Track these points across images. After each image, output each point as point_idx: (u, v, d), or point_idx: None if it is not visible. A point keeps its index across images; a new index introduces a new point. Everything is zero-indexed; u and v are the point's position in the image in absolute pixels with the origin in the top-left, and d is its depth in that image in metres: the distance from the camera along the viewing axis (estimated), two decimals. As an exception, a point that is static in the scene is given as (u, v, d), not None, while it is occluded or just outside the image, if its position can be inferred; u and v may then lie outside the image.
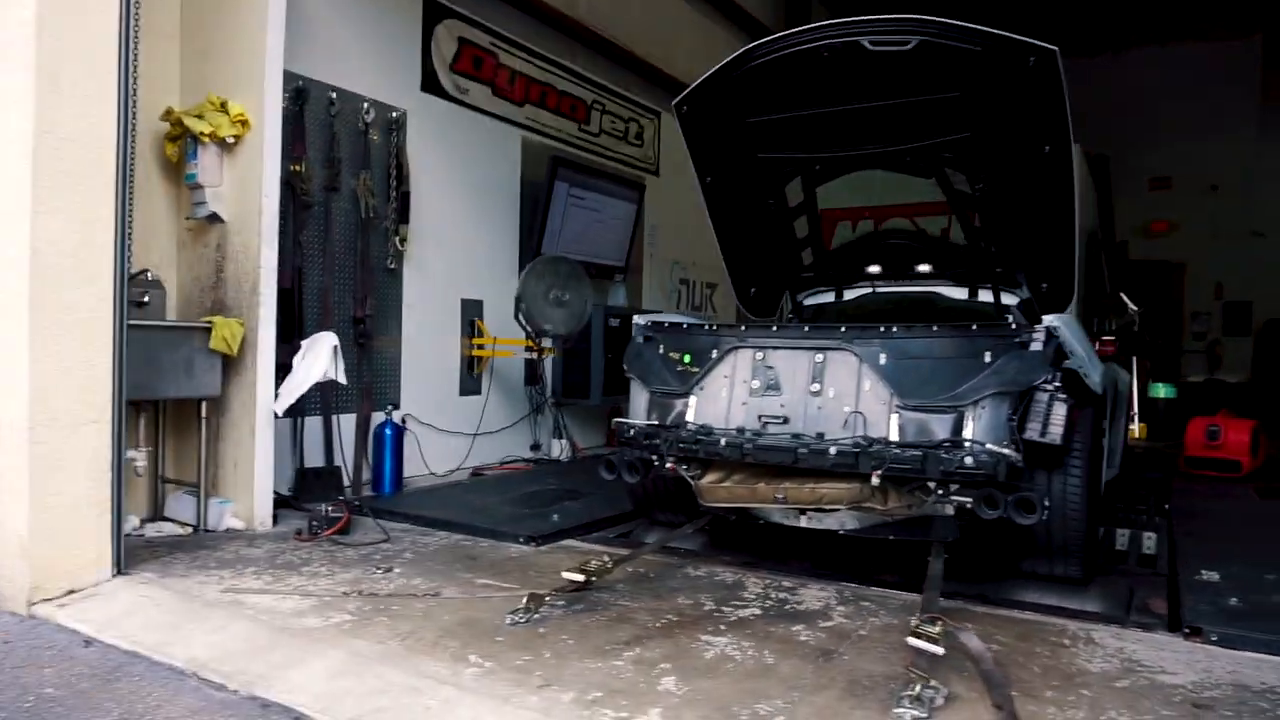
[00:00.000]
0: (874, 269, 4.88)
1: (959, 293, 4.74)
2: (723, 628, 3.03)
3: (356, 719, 2.32)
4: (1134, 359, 9.84)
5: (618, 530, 4.57)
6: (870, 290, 5.01)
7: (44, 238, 3.07)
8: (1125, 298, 10.21)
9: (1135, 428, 9.55)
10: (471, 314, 6.46)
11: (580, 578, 3.26)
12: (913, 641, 2.54)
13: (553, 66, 7.30)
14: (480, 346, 6.47)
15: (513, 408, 6.89)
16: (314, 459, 5.19)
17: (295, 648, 2.75)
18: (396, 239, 5.70)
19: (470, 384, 6.51)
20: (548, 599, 3.15)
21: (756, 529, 3.89)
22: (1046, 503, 3.20)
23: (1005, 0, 12.57)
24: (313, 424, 5.18)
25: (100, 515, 3.29)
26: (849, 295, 5.06)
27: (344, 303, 5.42)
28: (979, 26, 3.46)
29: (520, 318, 5.95)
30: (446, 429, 6.23)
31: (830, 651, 2.82)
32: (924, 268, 4.73)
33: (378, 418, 5.43)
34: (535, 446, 6.94)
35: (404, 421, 5.83)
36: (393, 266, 5.74)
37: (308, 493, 4.90)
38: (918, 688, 2.42)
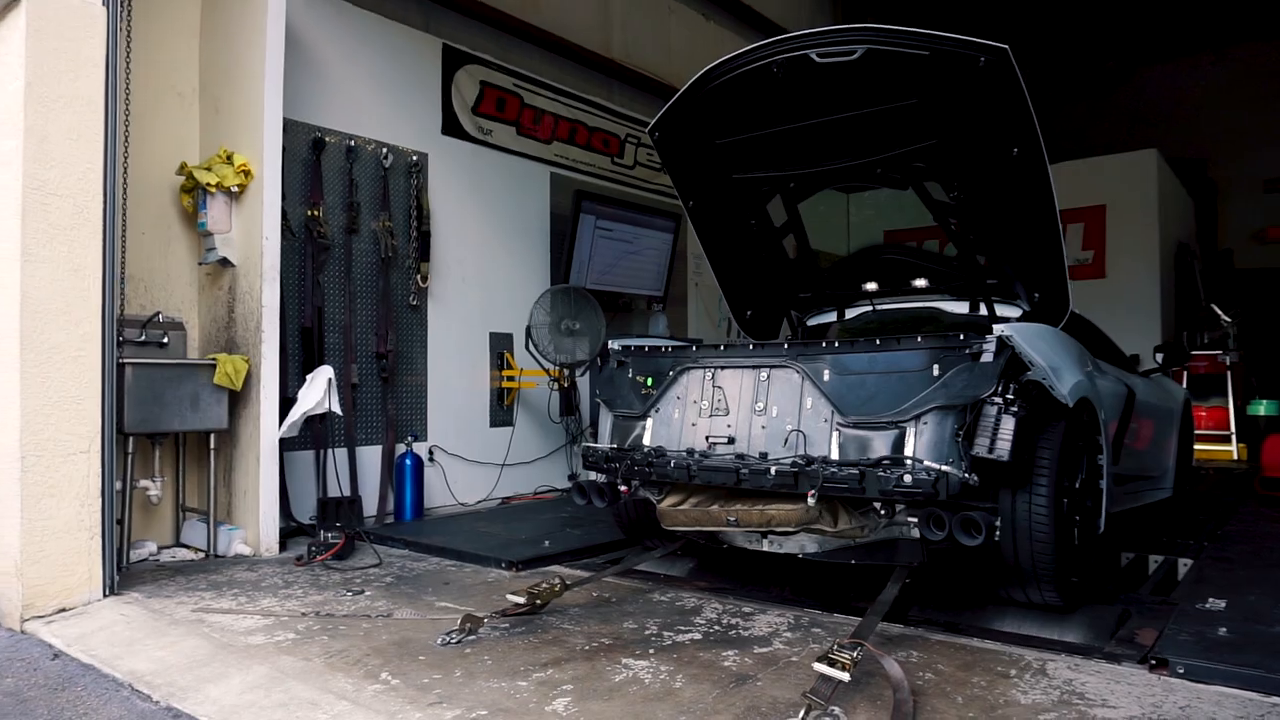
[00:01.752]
0: (870, 286, 4.73)
1: (960, 307, 4.54)
2: (651, 652, 2.97)
3: (249, 731, 2.41)
4: (1228, 374, 9.14)
5: (609, 557, 4.55)
6: (871, 308, 4.86)
7: (33, 284, 3.38)
8: (1218, 310, 9.51)
9: (1234, 449, 8.84)
10: (501, 347, 6.63)
11: (523, 600, 3.28)
12: (818, 667, 2.44)
13: (583, 104, 7.48)
14: (509, 378, 6.62)
15: (549, 438, 6.99)
16: (341, 489, 5.42)
17: (227, 663, 2.87)
18: (418, 277, 5.94)
19: (501, 415, 6.66)
20: (486, 621, 3.18)
21: (745, 555, 3.81)
22: (997, 523, 3.02)
23: (1099, 2, 12.17)
24: (336, 458, 5.42)
25: (90, 539, 3.55)
26: (851, 314, 4.93)
27: (366, 339, 5.67)
28: (922, 30, 3.36)
29: (530, 348, 6.06)
30: (476, 459, 6.39)
31: (747, 677, 2.72)
32: (920, 282, 4.56)
33: (400, 449, 5.63)
34: (573, 476, 7.00)
35: (431, 453, 6.03)
36: (415, 303, 5.97)
37: (328, 521, 5.11)
38: (814, 714, 2.32)
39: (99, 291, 3.58)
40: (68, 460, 3.48)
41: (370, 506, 5.53)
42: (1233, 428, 8.87)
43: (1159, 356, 5.39)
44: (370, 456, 5.63)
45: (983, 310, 4.40)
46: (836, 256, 5.21)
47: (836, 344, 3.31)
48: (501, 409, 6.63)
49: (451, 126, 6.33)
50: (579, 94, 7.48)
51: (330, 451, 5.33)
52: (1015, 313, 4.29)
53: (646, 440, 3.66)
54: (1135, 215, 9.67)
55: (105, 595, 3.59)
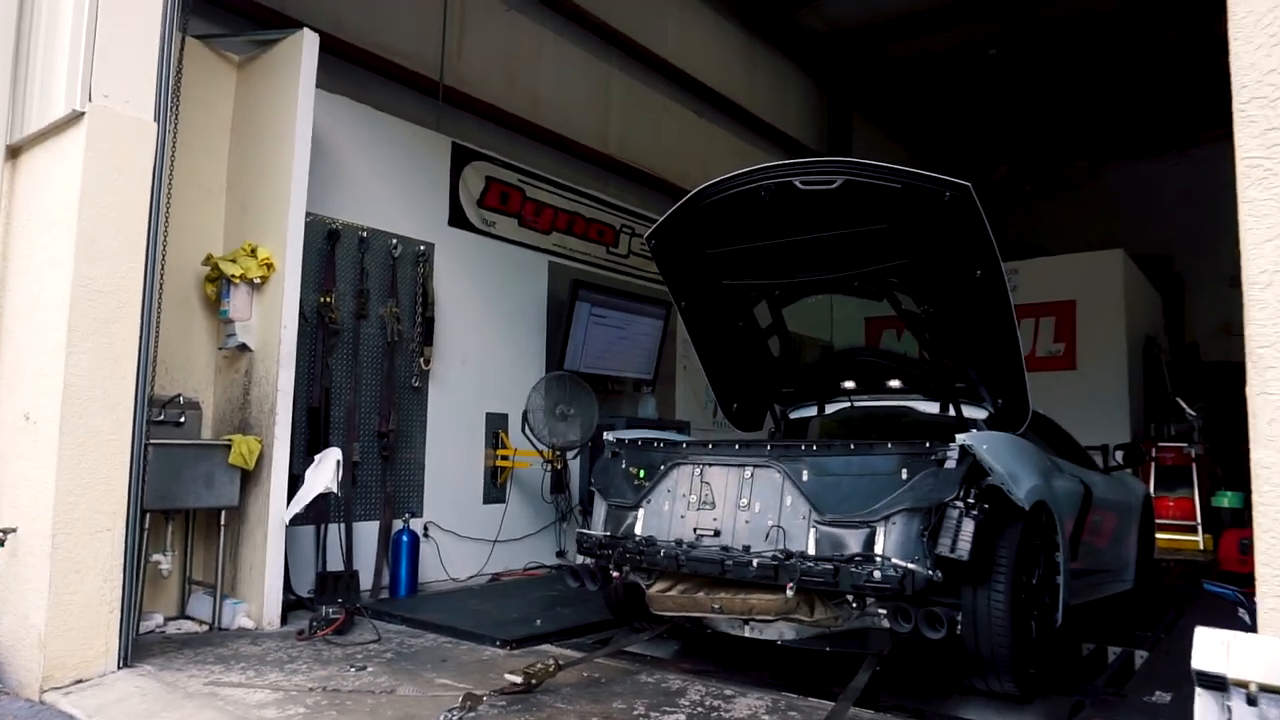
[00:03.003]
0: (849, 384, 5.07)
1: (932, 407, 4.87)
2: (639, 733, 3.19)
3: (268, 802, 2.61)
4: (1194, 466, 9.50)
5: (597, 637, 4.76)
6: (849, 405, 5.19)
7: (75, 374, 3.65)
8: (1183, 403, 9.92)
9: (1199, 539, 9.14)
10: (496, 426, 6.90)
11: (519, 679, 3.50)
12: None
13: (580, 196, 7.93)
14: (504, 458, 6.88)
15: (539, 515, 7.22)
16: (339, 564, 5.61)
17: (243, 737, 3.07)
18: (421, 359, 6.25)
19: (495, 493, 6.89)
20: (485, 699, 3.39)
21: (728, 640, 4.04)
22: (958, 617, 3.29)
23: (1070, 103, 12.91)
24: (336, 531, 5.63)
25: (110, 613, 3.76)
26: (830, 409, 5.26)
27: (369, 419, 5.95)
28: (896, 166, 3.77)
29: (526, 431, 6.34)
30: (470, 535, 6.59)
31: (728, 759, 2.94)
32: (895, 383, 4.90)
33: (397, 525, 5.85)
34: (560, 553, 7.22)
35: (426, 529, 6.24)
36: (417, 385, 6.27)
37: (327, 595, 5.30)
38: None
39: (134, 378, 3.85)
40: (94, 538, 3.70)
41: (366, 580, 5.71)
42: (1198, 518, 9.19)
43: (1119, 455, 5.73)
44: (368, 531, 5.85)
45: (952, 411, 4.74)
46: (822, 342, 5.55)
47: (815, 446, 3.62)
48: (495, 487, 6.87)
49: (458, 218, 6.72)
50: (577, 187, 7.92)
51: (329, 526, 5.54)
52: (982, 414, 4.63)
53: (638, 529, 3.93)
54: (1103, 311, 10.16)
55: (119, 667, 3.77)
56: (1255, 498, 1.80)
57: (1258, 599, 1.78)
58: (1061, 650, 4.44)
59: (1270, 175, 1.77)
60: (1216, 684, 1.74)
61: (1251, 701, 1.66)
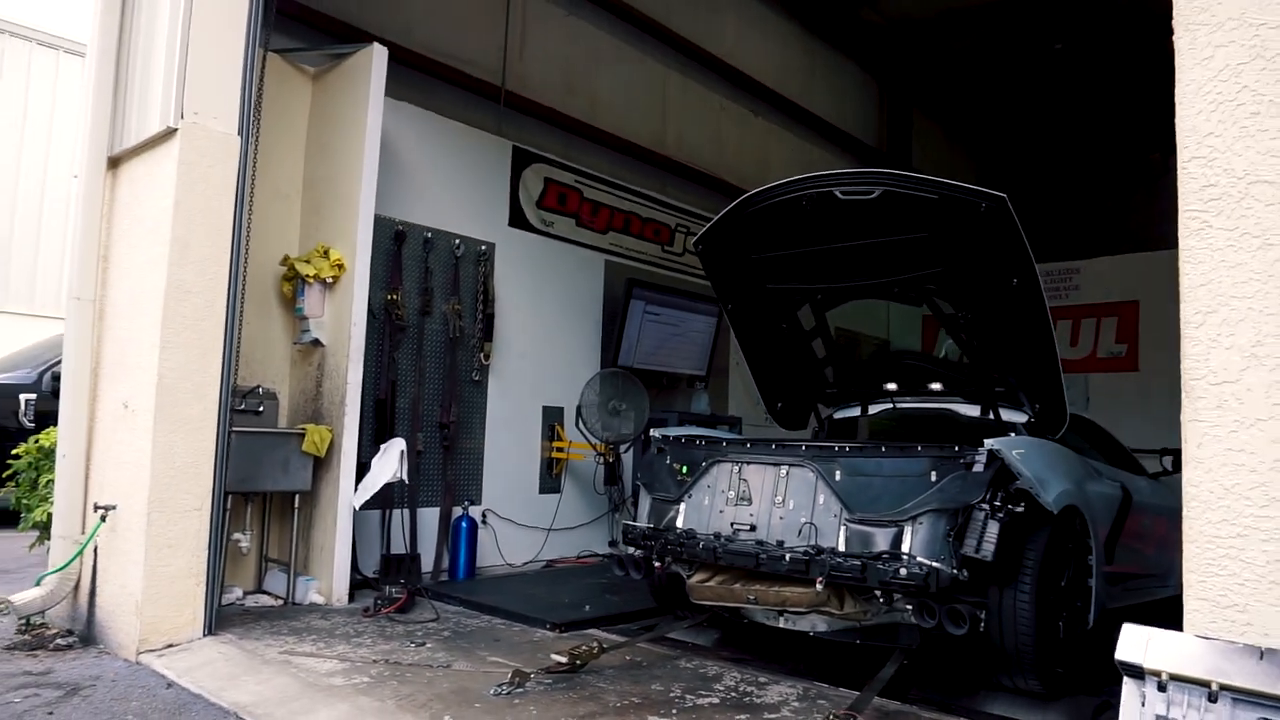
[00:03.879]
0: (891, 386, 5.19)
1: (973, 410, 4.96)
2: (674, 712, 3.41)
3: (335, 758, 2.91)
4: None
5: (642, 623, 4.99)
6: (891, 406, 5.31)
7: (168, 366, 4.03)
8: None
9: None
10: (552, 419, 7.18)
11: (565, 660, 3.75)
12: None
13: (637, 196, 8.15)
14: (559, 450, 7.16)
15: (592, 506, 7.49)
16: (402, 547, 5.97)
17: (314, 700, 3.39)
18: (481, 354, 6.56)
19: (550, 483, 7.18)
20: (533, 676, 3.65)
21: (764, 630, 4.23)
22: (982, 615, 3.42)
23: (1139, 97, 12.60)
24: (399, 516, 5.98)
25: (197, 585, 4.13)
26: (874, 410, 5.38)
27: (432, 410, 6.28)
28: (934, 178, 3.89)
29: (580, 425, 6.60)
30: (525, 523, 6.90)
31: (755, 739, 3.14)
32: (936, 386, 5.00)
33: (457, 511, 6.18)
34: (612, 543, 7.47)
35: (484, 516, 6.56)
36: (477, 378, 6.58)
37: (390, 576, 5.64)
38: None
39: (219, 371, 4.22)
40: (184, 516, 4.08)
41: (427, 564, 6.05)
42: None
43: (1166, 461, 5.71)
44: (429, 517, 6.19)
45: (992, 415, 4.82)
46: (878, 340, 5.64)
47: (847, 448, 3.78)
48: (550, 477, 7.16)
49: (518, 219, 7.00)
50: (634, 187, 8.14)
51: (392, 511, 5.89)
52: (1021, 418, 4.71)
53: (679, 522, 4.14)
54: (1167, 311, 9.93)
55: (205, 635, 4.15)
56: (1185, 512, 1.93)
57: (1184, 600, 1.92)
58: (1094, 652, 4.51)
59: (1206, 227, 1.91)
60: (1136, 673, 1.93)
61: (1161, 688, 1.85)
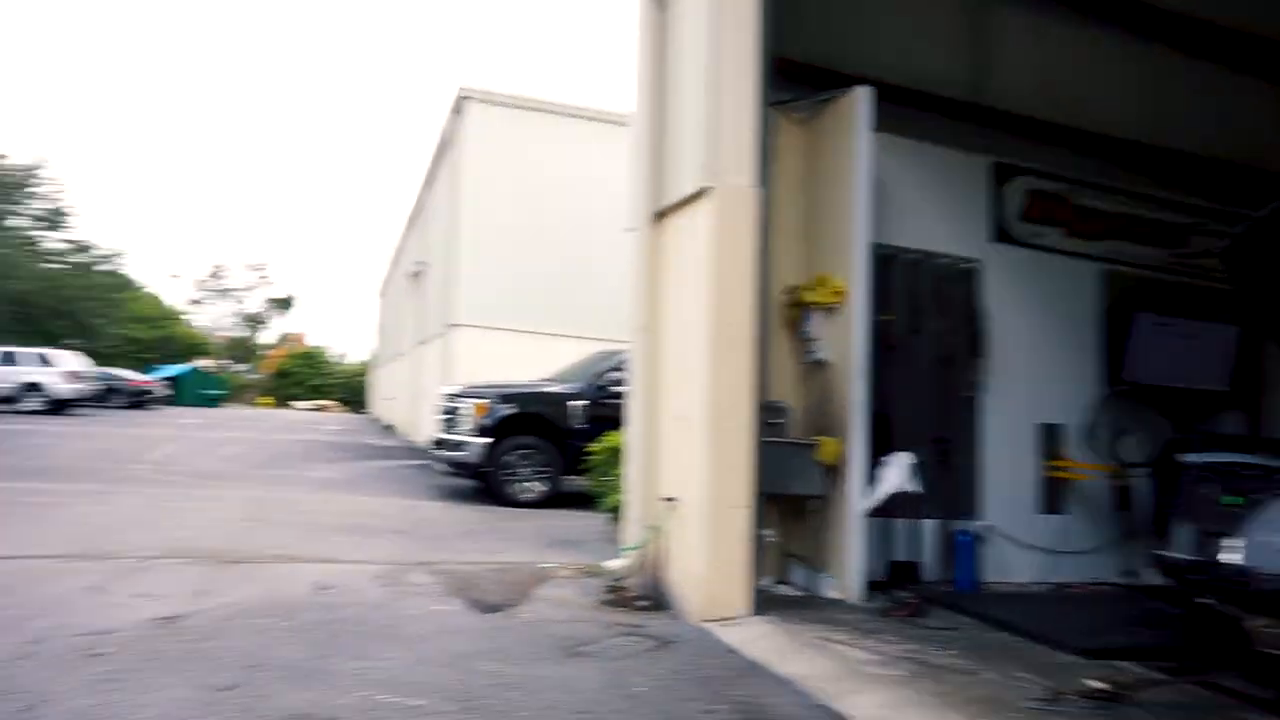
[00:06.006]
0: None
1: None
2: (1246, 755, 3.14)
3: (891, 733, 3.24)
4: None
5: (1176, 663, 4.57)
6: None
7: (715, 385, 4.83)
8: None
9: None
10: (1049, 437, 6.87)
11: (1106, 686, 3.66)
12: None
13: (1134, 198, 7.45)
14: (1058, 468, 6.83)
15: (1098, 530, 6.95)
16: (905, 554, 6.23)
17: (857, 683, 3.78)
18: (970, 371, 6.57)
19: (1049, 503, 6.86)
20: (1068, 696, 3.63)
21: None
22: None
23: None
24: (901, 525, 6.25)
25: (744, 570, 4.85)
26: None
27: (925, 426, 6.45)
28: None
29: (1085, 445, 6.24)
30: (1027, 542, 6.68)
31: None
32: None
33: (958, 525, 6.27)
34: (1130, 573, 6.87)
35: (985, 531, 6.53)
36: (968, 395, 6.60)
37: (895, 581, 5.96)
38: None
39: (749, 389, 4.92)
40: (732, 511, 4.83)
41: (927, 573, 6.23)
42: None
43: None
44: (926, 528, 6.35)
45: None
46: None
47: None
48: (1049, 497, 6.85)
49: (1000, 233, 6.89)
50: (1130, 189, 7.45)
51: (894, 520, 6.17)
52: None
53: (1227, 557, 3.77)
54: None
55: (751, 614, 4.84)
56: None
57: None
58: None
59: None
60: None
61: None
